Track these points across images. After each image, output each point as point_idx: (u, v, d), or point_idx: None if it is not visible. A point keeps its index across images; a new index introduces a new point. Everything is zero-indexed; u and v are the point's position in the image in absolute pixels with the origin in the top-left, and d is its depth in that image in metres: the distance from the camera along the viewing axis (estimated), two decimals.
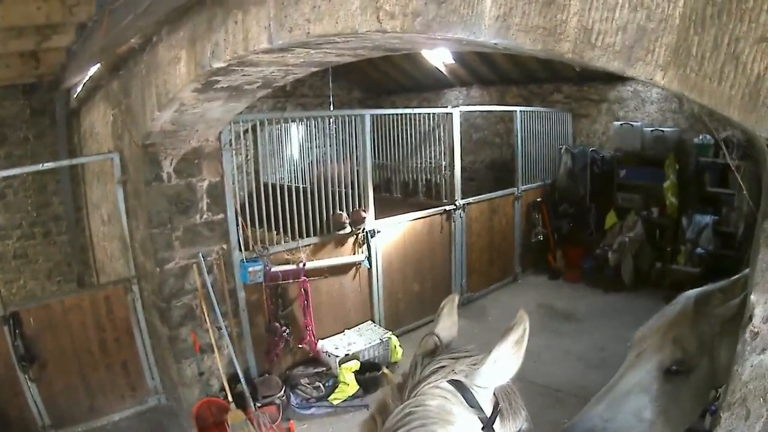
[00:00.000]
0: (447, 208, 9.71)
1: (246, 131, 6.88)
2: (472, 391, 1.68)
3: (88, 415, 6.55)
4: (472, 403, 1.67)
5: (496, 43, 2.45)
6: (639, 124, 11.13)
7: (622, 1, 2.01)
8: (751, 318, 1.88)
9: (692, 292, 3.33)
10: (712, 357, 3.10)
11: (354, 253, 8.13)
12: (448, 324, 1.95)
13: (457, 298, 2.04)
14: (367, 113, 8.27)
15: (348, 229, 7.87)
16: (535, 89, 13.33)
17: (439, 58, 13.11)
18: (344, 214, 7.83)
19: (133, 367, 6.81)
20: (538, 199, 11.75)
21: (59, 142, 10.29)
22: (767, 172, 2.06)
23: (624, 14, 2.01)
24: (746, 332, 1.89)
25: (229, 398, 6.26)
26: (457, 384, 1.68)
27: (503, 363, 1.70)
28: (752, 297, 1.88)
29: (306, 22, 3.34)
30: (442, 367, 1.71)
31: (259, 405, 6.33)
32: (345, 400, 6.98)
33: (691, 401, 3.10)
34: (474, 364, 1.72)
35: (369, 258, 8.24)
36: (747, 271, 3.28)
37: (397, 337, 8.15)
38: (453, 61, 13.21)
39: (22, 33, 7.03)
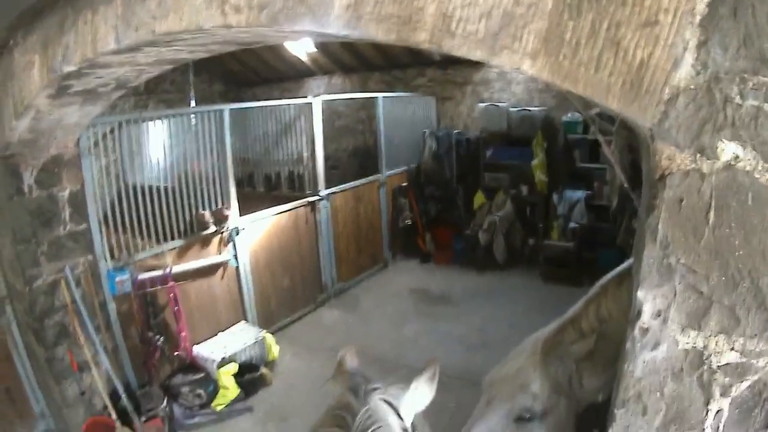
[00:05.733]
0: (311, 199, 9.99)
1: (105, 134, 6.87)
2: (398, 409, 2.42)
3: None
4: (401, 416, 2.41)
5: (346, 35, 2.46)
6: (505, 104, 11.70)
7: None
8: (639, 314, 1.98)
9: (541, 333, 3.49)
10: (571, 395, 3.27)
11: (219, 253, 8.24)
12: (356, 361, 2.76)
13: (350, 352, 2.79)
14: (226, 108, 8.34)
15: (212, 229, 7.99)
16: (399, 74, 13.79)
17: (302, 47, 13.32)
18: (207, 213, 7.93)
19: (17, 393, 6.60)
20: (404, 184, 12.17)
21: None
22: (648, 163, 2.07)
23: None
24: (635, 329, 1.99)
25: (113, 416, 6.28)
26: (389, 403, 2.41)
27: (421, 392, 2.53)
28: (639, 294, 1.98)
29: (152, 20, 3.33)
30: (377, 388, 2.46)
31: (143, 419, 6.42)
32: (228, 405, 7.15)
33: None
34: (400, 390, 2.51)
35: (236, 256, 8.40)
36: (593, 292, 3.64)
37: (272, 334, 8.36)
38: (315, 50, 13.46)
39: None
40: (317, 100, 10.15)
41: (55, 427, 6.66)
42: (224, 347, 7.72)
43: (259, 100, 12.61)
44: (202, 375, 7.37)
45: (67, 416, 6.43)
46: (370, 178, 11.64)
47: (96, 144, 6.69)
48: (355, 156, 14.44)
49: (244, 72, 15.99)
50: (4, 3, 4.43)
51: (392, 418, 2.34)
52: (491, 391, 3.41)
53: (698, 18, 1.74)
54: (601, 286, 3.52)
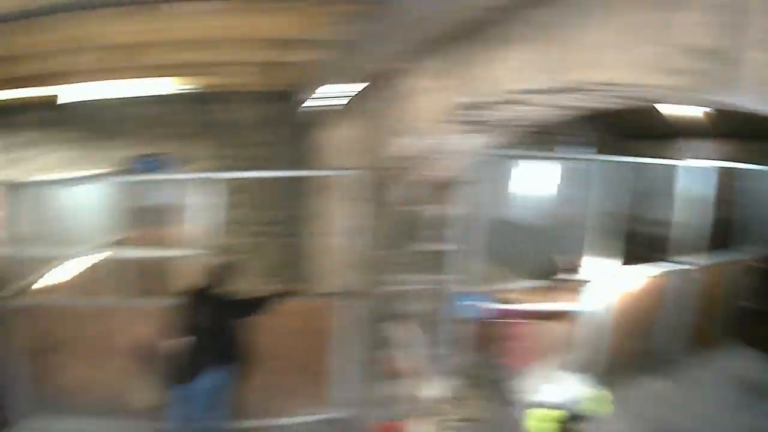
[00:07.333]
0: (683, 267, 9.49)
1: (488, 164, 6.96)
2: None
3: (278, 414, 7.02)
4: None
5: None
6: None
7: None
8: None
9: None
10: None
11: (573, 301, 7.91)
12: None
13: None
14: (621, 160, 8.49)
15: (572, 276, 7.89)
16: None
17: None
18: (569, 260, 7.92)
19: (323, 380, 7.04)
20: None
21: (298, 151, 10.98)
22: None
23: None
24: None
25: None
26: None
27: None
28: None
29: (576, 68, 3.28)
30: None
31: None
32: None
33: None
34: None
35: (589, 307, 8.12)
36: None
37: (608, 391, 7.95)
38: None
39: (271, 44, 7.37)
40: (708, 164, 9.73)
41: (347, 417, 6.98)
42: (553, 392, 7.52)
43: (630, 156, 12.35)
44: None
45: (368, 412, 6.64)
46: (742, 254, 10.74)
47: (476, 172, 6.86)
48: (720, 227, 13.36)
49: (623, 124, 15.57)
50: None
51: None
52: None
53: None
54: None
